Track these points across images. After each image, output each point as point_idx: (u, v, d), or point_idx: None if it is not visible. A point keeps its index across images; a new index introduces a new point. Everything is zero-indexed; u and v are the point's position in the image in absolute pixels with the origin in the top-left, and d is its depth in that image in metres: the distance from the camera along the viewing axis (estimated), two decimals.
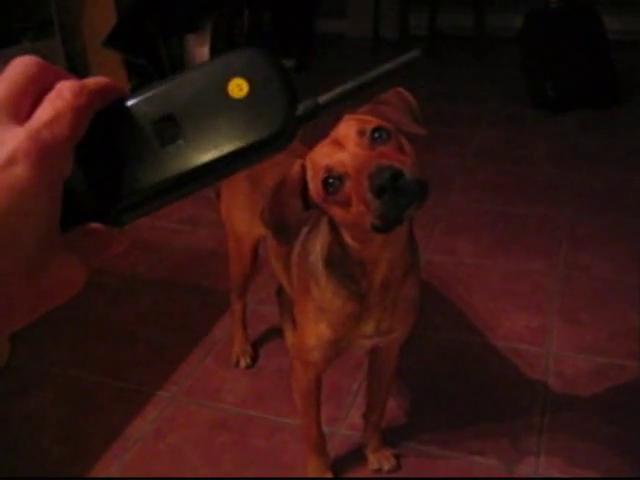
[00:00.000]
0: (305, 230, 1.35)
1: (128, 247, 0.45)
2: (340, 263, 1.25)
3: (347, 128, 1.09)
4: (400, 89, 1.21)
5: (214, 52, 4.25)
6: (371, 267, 1.23)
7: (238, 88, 0.43)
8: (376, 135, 1.07)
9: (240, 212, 1.74)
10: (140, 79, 4.26)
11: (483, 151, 3.40)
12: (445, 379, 1.95)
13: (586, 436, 1.72)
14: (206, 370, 2.01)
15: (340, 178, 1.07)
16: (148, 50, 4.14)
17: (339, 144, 1.08)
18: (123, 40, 4.02)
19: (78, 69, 3.89)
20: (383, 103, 1.17)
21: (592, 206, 2.81)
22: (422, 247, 2.50)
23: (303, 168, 1.15)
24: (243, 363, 2.02)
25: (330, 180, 1.08)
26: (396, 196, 1.00)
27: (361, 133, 1.07)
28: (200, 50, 4.23)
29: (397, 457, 1.68)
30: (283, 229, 1.19)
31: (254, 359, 2.05)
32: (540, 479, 1.61)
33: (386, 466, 1.66)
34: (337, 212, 1.12)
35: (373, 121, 1.10)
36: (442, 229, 2.69)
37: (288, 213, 1.16)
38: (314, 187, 1.13)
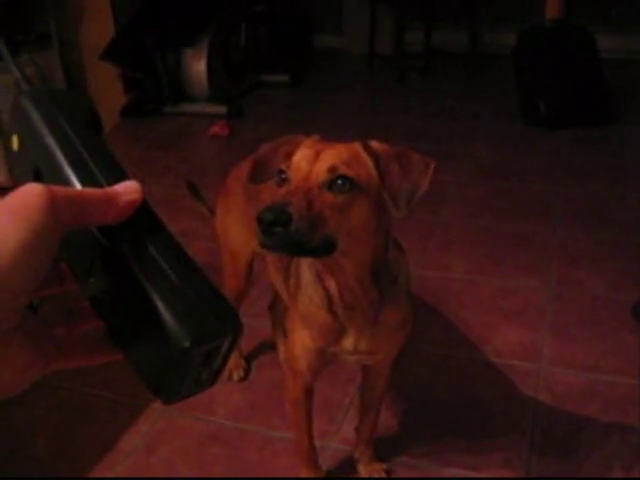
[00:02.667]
0: None
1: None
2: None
3: (334, 154, 1.10)
4: (431, 165, 1.16)
5: (211, 66, 4.28)
6: (324, 277, 1.25)
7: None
8: (339, 182, 1.08)
9: (236, 227, 1.75)
10: (137, 93, 4.29)
11: (476, 168, 3.42)
12: (437, 394, 1.96)
13: (576, 452, 1.73)
14: None
15: (287, 179, 1.10)
16: (145, 64, 4.17)
17: (315, 157, 1.10)
18: (120, 53, 4.05)
19: (75, 81, 3.91)
20: (402, 164, 1.14)
21: (584, 223, 2.83)
22: (415, 262, 2.53)
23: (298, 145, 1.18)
24: (236, 376, 2.03)
25: (283, 175, 1.12)
26: (265, 232, 1.01)
27: (331, 169, 1.08)
28: (197, 64, 4.26)
29: (388, 471, 1.69)
30: (259, 169, 1.22)
31: (247, 372, 2.06)
32: (537, 479, 1.62)
33: None
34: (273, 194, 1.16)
35: (355, 168, 1.10)
36: (435, 244, 2.71)
37: (271, 162, 1.19)
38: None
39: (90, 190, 0.43)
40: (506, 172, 3.36)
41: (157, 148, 3.93)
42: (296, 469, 1.64)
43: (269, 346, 2.13)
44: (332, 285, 1.25)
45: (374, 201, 1.13)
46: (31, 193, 0.39)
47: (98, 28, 3.94)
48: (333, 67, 5.43)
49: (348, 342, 1.33)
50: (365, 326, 1.30)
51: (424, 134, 3.80)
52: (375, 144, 1.16)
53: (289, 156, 1.15)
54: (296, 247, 1.03)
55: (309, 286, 1.31)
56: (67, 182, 0.45)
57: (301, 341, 1.38)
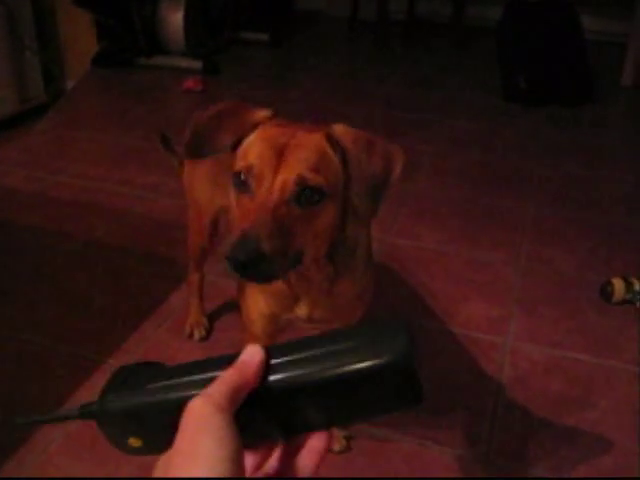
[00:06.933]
0: None
1: None
2: None
3: (301, 157, 1.00)
4: (401, 156, 1.08)
5: (188, 19, 4.16)
6: None
7: None
8: (307, 192, 0.99)
9: (202, 183, 1.70)
10: (110, 40, 4.15)
11: (453, 139, 3.39)
12: None
13: (537, 427, 1.72)
14: (159, 340, 1.97)
15: (247, 185, 1.00)
16: (120, 11, 4.03)
17: (279, 160, 0.99)
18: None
19: (47, 27, 3.77)
20: (371, 153, 1.05)
21: (557, 201, 2.82)
22: (386, 230, 2.50)
23: (256, 126, 1.07)
24: (197, 335, 1.98)
25: (241, 176, 1.01)
26: (237, 269, 0.94)
27: (299, 180, 0.98)
28: (174, 16, 4.14)
29: (347, 439, 1.67)
30: (198, 143, 1.10)
31: (208, 331, 2.01)
32: (536, 479, 1.60)
33: (336, 447, 1.64)
34: (232, 195, 1.05)
35: (324, 174, 1.00)
36: (407, 213, 2.67)
37: (214, 137, 1.08)
38: (237, 158, 1.06)
39: (231, 377, 0.52)
40: (482, 145, 3.34)
41: (128, 99, 3.82)
42: None
43: (233, 306, 2.07)
44: None
45: (341, 202, 1.05)
46: (203, 414, 0.49)
47: None
48: (314, 29, 5.32)
49: (302, 310, 1.29)
50: (319, 296, 1.26)
51: (402, 102, 3.75)
52: (340, 132, 1.05)
53: (237, 133, 1.06)
54: (267, 276, 0.98)
55: None
56: None
57: (256, 306, 1.35)
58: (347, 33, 5.14)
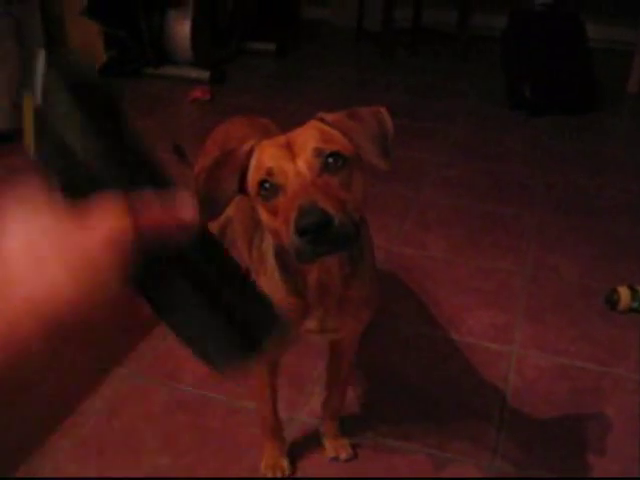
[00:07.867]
0: None
1: None
2: (285, 257, 1.22)
3: (307, 138, 1.06)
4: (382, 110, 1.15)
5: (195, 29, 4.19)
6: (303, 269, 1.20)
7: None
8: (330, 160, 1.03)
9: None
10: (118, 52, 4.19)
11: (457, 148, 3.40)
12: (406, 372, 1.94)
13: (543, 435, 1.73)
14: (168, 349, 1.98)
15: (276, 187, 1.04)
16: (128, 22, 4.06)
17: (291, 151, 1.04)
18: (103, 10, 3.95)
19: (55, 37, 3.81)
20: (357, 118, 1.12)
21: (562, 208, 2.83)
22: (391, 239, 2.51)
23: (251, 152, 1.11)
24: None
25: (266, 184, 1.04)
26: (316, 241, 0.96)
27: (317, 152, 1.03)
28: (181, 26, 4.17)
29: (354, 447, 1.67)
30: (209, 203, 1.12)
31: None
32: (537, 479, 1.61)
33: (342, 455, 1.65)
34: (263, 214, 1.08)
35: (334, 142, 1.06)
36: (413, 222, 2.68)
37: (220, 190, 1.12)
38: (252, 179, 1.09)
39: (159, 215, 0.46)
40: (487, 154, 3.34)
41: (136, 110, 3.84)
42: (260, 439, 1.62)
43: None
44: (314, 272, 1.20)
45: (363, 167, 1.09)
46: (119, 229, 0.43)
47: None
48: (320, 39, 5.35)
49: (312, 323, 1.29)
50: (333, 305, 1.27)
51: (407, 111, 3.76)
52: (327, 115, 1.12)
53: (236, 173, 1.09)
54: (347, 241, 0.99)
55: (275, 273, 1.26)
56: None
57: None
58: (353, 42, 5.16)
